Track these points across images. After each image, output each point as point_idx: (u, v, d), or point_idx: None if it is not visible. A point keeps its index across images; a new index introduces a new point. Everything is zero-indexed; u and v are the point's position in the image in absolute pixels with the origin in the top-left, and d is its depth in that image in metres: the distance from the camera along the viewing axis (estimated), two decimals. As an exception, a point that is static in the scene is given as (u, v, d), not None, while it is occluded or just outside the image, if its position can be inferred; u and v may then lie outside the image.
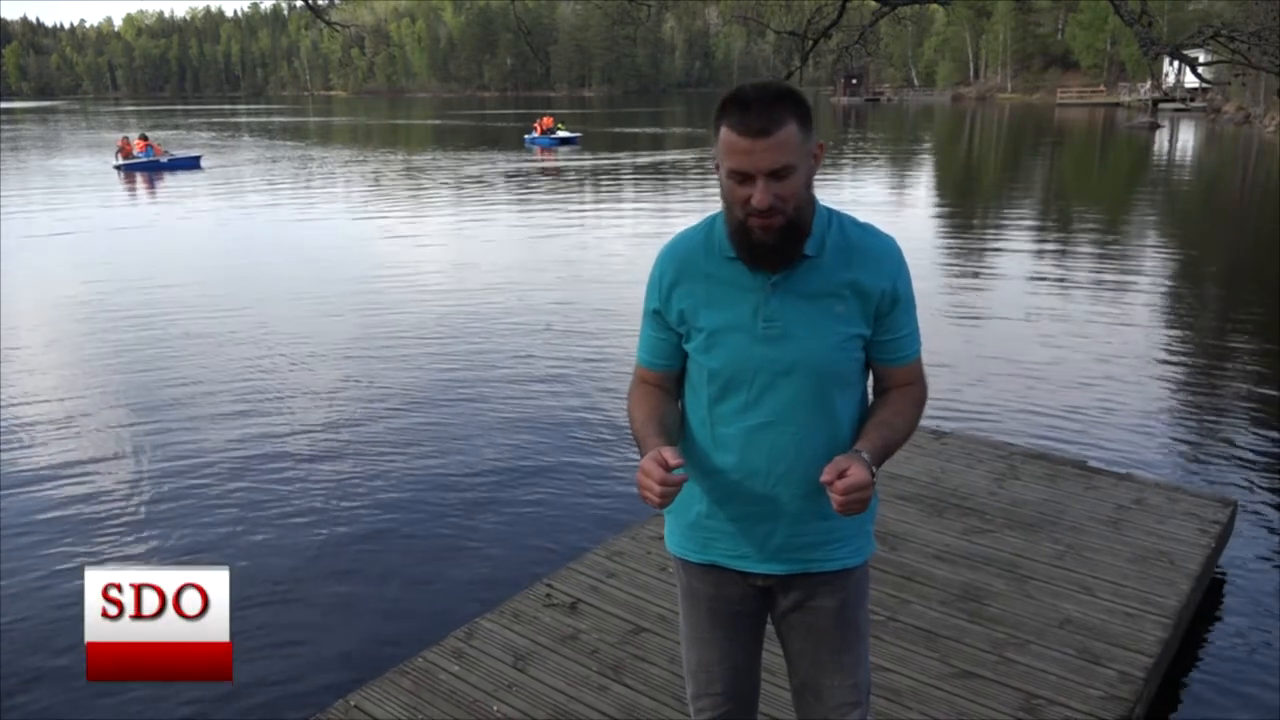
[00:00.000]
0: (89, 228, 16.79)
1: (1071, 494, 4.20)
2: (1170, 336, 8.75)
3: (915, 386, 1.72)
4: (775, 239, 1.54)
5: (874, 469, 1.55)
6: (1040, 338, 8.46)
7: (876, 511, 1.79)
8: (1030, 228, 15.81)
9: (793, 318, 1.60)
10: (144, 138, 28.52)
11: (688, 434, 1.75)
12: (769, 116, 1.49)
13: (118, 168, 27.13)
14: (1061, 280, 11.20)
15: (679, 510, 1.77)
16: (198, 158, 29.49)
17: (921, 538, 3.80)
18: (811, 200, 1.60)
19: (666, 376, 1.76)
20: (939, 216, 17.88)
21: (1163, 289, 10.87)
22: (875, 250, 1.64)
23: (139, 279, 11.98)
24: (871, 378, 1.75)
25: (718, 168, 1.57)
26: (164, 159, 27.78)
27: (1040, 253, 13.21)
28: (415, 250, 14.06)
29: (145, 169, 26.93)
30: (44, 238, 15.55)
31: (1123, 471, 4.57)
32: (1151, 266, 12.22)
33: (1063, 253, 13.29)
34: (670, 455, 1.54)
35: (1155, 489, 4.29)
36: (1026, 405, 6.54)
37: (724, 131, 1.53)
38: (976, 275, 11.62)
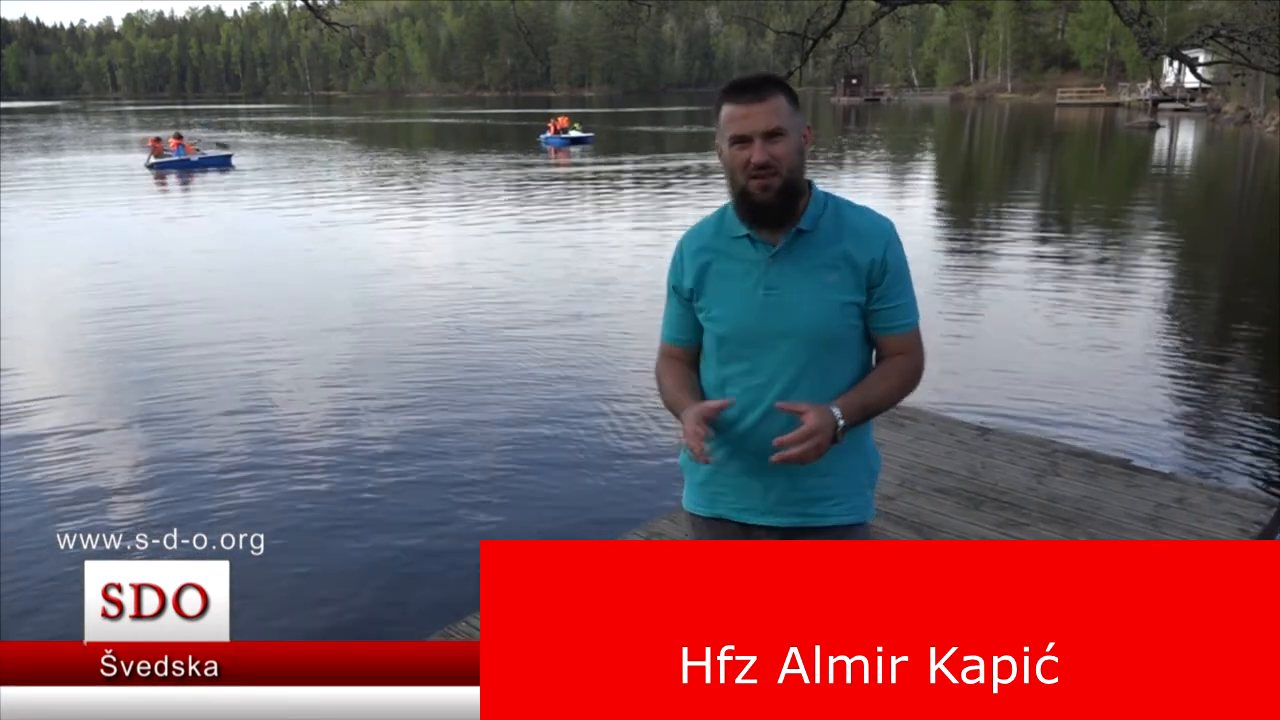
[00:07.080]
0: (128, 225, 16.88)
1: (1111, 491, 4.06)
2: (1219, 337, 8.64)
3: (907, 356, 1.84)
4: (773, 197, 1.72)
5: (840, 421, 1.68)
6: (1075, 336, 8.27)
7: (879, 478, 1.94)
8: (1040, 228, 15.71)
9: (790, 286, 1.76)
10: (178, 136, 28.45)
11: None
12: (761, 89, 1.73)
13: (150, 166, 27.06)
14: (1085, 279, 11.08)
15: (692, 471, 1.92)
16: (228, 156, 29.43)
17: (956, 529, 3.70)
18: (803, 168, 1.77)
19: (688, 351, 1.91)
20: (945, 216, 17.77)
21: (1191, 291, 10.74)
22: (867, 226, 1.80)
23: (156, 275, 11.91)
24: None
25: (720, 152, 1.78)
26: (195, 157, 27.74)
27: (1057, 253, 13.06)
28: (440, 247, 14.09)
29: (177, 167, 26.91)
30: (81, 236, 15.60)
31: (1167, 471, 4.43)
32: (1171, 267, 12.10)
33: (1079, 254, 13.16)
34: (715, 403, 1.74)
35: (1198, 489, 4.14)
36: (1072, 404, 6.38)
37: (725, 108, 1.75)
38: (998, 274, 11.46)
